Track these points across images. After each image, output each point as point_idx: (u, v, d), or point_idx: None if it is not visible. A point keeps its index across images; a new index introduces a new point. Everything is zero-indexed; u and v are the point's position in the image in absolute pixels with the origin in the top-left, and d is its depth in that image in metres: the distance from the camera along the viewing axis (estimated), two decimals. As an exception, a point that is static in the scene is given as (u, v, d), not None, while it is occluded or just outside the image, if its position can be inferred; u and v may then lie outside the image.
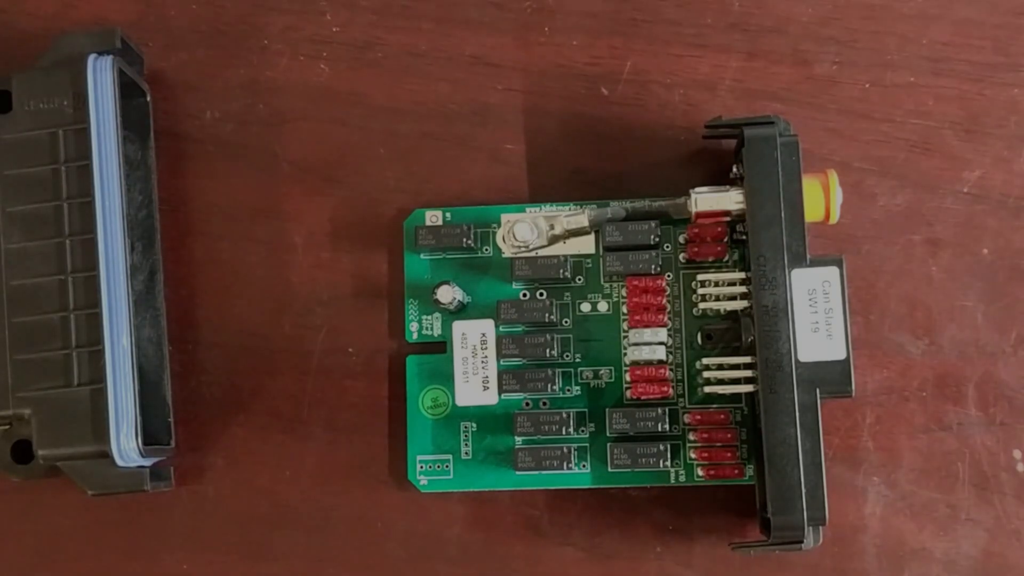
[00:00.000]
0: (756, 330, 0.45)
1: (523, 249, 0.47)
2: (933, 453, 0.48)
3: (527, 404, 0.48)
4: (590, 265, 0.48)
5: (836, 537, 0.47)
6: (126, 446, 0.45)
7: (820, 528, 0.45)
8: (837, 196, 0.46)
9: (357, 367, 0.49)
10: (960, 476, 0.48)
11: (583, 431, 0.47)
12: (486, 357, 0.47)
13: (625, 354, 0.47)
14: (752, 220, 0.45)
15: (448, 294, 0.47)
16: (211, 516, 0.49)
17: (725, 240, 0.47)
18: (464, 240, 0.48)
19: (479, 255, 0.48)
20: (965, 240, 0.48)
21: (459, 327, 0.48)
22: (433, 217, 0.49)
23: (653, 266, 0.47)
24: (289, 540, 0.48)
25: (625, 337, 0.47)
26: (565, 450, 0.46)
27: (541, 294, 0.48)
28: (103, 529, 0.49)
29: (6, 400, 0.46)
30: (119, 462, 0.45)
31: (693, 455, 0.47)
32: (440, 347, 0.48)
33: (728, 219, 0.46)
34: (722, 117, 0.46)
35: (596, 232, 0.48)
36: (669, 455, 0.46)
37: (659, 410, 0.46)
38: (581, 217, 0.47)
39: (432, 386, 0.48)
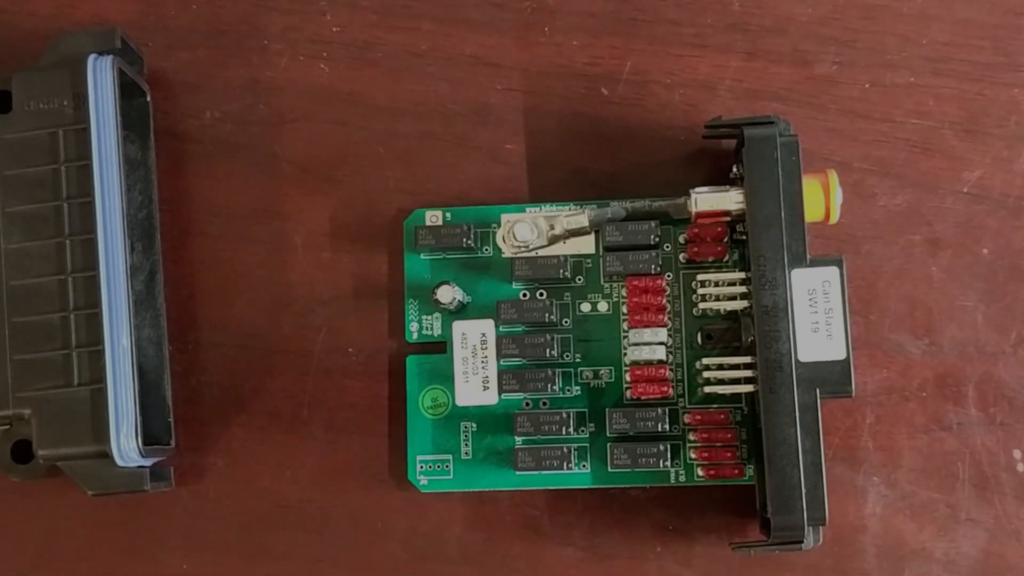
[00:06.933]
0: (756, 330, 0.45)
1: (523, 249, 0.47)
2: (933, 453, 0.48)
3: (527, 404, 0.48)
4: (590, 265, 0.48)
5: (836, 537, 0.47)
6: (126, 446, 0.45)
7: (820, 528, 0.45)
8: (837, 196, 0.46)
9: (357, 367, 0.49)
10: (960, 476, 0.48)
11: (583, 431, 0.47)
12: (486, 357, 0.47)
13: (625, 354, 0.47)
14: (752, 220, 0.45)
15: (448, 294, 0.47)
16: (211, 516, 0.49)
17: (725, 240, 0.47)
18: (464, 240, 0.48)
19: (479, 255, 0.48)
20: (965, 240, 0.48)
21: (459, 327, 0.48)
22: (433, 217, 0.49)
23: (653, 266, 0.47)
24: (289, 540, 0.48)
25: (625, 337, 0.47)
26: (565, 450, 0.46)
27: (541, 294, 0.48)
28: (103, 529, 0.49)
29: (6, 400, 0.46)
30: (119, 462, 0.45)
31: (693, 455, 0.47)
32: (440, 347, 0.48)
33: (728, 219, 0.46)
34: (722, 117, 0.46)
35: (596, 232, 0.48)
36: (669, 455, 0.46)
37: (659, 410, 0.46)
38: (581, 217, 0.47)
39: (432, 386, 0.48)
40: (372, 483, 0.48)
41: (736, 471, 0.47)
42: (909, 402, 0.48)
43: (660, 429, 0.46)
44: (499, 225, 0.48)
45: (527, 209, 0.48)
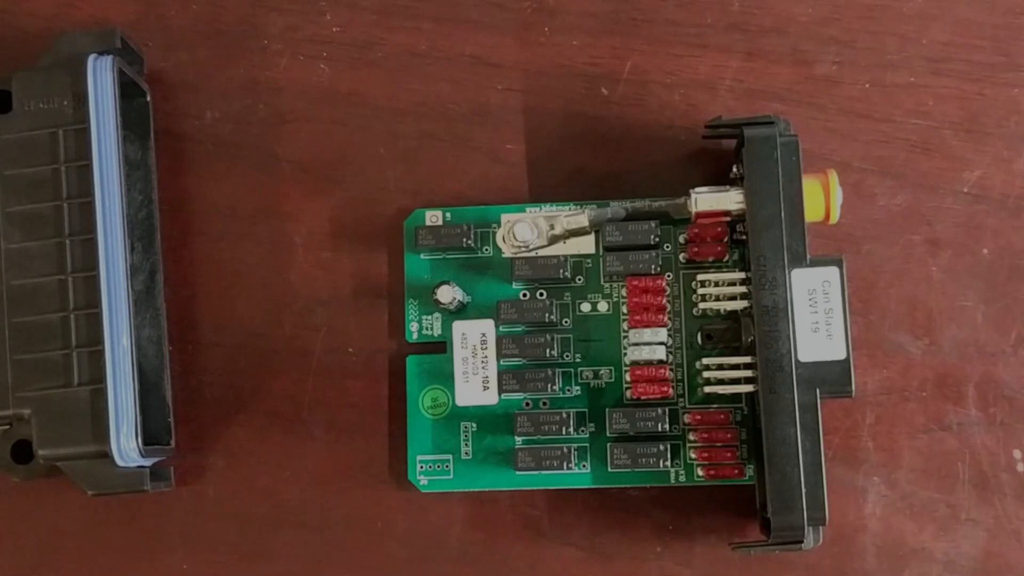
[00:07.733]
0: (756, 330, 0.45)
1: (523, 249, 0.47)
2: (933, 453, 0.48)
3: (527, 404, 0.48)
4: (590, 265, 0.48)
5: (836, 537, 0.47)
6: (126, 446, 0.45)
7: (820, 528, 0.45)
8: (837, 196, 0.46)
9: (357, 367, 0.49)
10: (960, 476, 0.48)
11: (583, 431, 0.47)
12: (486, 357, 0.47)
13: (625, 354, 0.47)
14: (752, 220, 0.45)
15: (448, 294, 0.47)
16: (211, 516, 0.49)
17: (725, 240, 0.47)
18: (464, 240, 0.48)
19: (479, 255, 0.48)
20: (965, 240, 0.48)
21: (459, 327, 0.48)
22: (433, 217, 0.49)
23: (653, 266, 0.47)
24: (289, 540, 0.48)
25: (625, 337, 0.47)
26: (565, 450, 0.46)
27: (541, 294, 0.48)
28: (103, 529, 0.49)
29: (6, 400, 0.46)
30: (119, 462, 0.45)
31: (693, 455, 0.47)
32: (440, 347, 0.48)
33: (728, 219, 0.46)
34: (722, 117, 0.46)
35: (596, 232, 0.48)
36: (669, 455, 0.46)
37: (659, 410, 0.46)
38: (581, 217, 0.47)
39: (432, 386, 0.48)
40: (372, 483, 0.48)
41: (736, 471, 0.47)
42: (909, 402, 0.48)
43: (660, 429, 0.46)
44: (499, 225, 0.48)
45: (527, 209, 0.48)
